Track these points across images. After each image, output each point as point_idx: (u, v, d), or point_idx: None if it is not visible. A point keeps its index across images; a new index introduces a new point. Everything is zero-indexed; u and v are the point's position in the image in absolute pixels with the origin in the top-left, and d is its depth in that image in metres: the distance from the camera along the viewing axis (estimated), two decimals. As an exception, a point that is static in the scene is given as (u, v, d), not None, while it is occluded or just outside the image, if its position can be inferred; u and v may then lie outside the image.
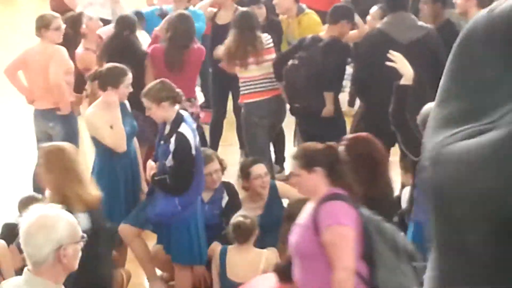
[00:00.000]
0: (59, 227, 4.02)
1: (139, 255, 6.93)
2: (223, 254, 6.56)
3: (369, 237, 4.94)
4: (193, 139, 6.56)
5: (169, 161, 6.56)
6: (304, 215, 4.98)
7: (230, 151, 8.59)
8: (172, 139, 6.53)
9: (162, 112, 6.63)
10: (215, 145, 8.97)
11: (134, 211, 6.95)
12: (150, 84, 6.95)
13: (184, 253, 6.72)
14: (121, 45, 8.25)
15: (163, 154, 6.64)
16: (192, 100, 8.26)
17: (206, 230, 6.82)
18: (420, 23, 7.93)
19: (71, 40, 8.97)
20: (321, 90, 7.80)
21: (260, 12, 9.07)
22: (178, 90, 6.78)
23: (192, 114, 8.14)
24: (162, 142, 6.74)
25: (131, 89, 7.03)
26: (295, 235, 4.97)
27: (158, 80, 6.96)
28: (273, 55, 8.20)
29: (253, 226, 6.48)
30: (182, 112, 6.88)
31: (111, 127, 6.92)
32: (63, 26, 8.32)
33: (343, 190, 4.99)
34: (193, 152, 6.55)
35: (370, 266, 4.91)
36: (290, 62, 8.01)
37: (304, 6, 9.19)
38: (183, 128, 6.55)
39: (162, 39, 8.41)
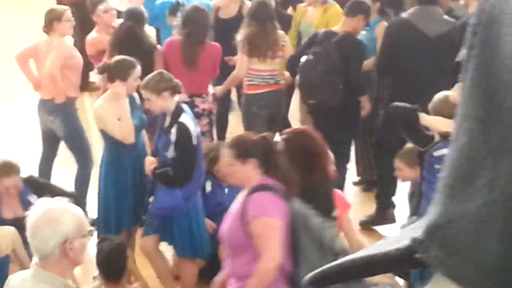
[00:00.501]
0: (65, 220, 4.01)
1: (159, 271, 6.90)
2: None
3: (295, 231, 4.97)
4: (193, 129, 6.55)
5: (170, 152, 6.54)
6: (236, 205, 5.00)
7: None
8: (173, 130, 6.52)
9: (162, 103, 6.61)
10: (222, 138, 8.97)
11: (149, 219, 6.90)
12: (148, 76, 6.92)
13: (187, 246, 6.71)
14: (126, 37, 8.23)
15: (164, 146, 6.63)
16: (204, 96, 8.21)
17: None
18: (445, 17, 7.91)
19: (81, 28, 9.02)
20: (337, 86, 7.76)
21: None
22: (176, 80, 6.75)
23: (204, 110, 8.13)
24: (162, 134, 6.74)
25: (139, 82, 7.02)
26: (226, 224, 5.00)
27: (156, 72, 6.94)
28: (282, 53, 8.18)
29: None
30: (181, 104, 6.88)
31: (119, 119, 6.90)
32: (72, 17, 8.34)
33: (276, 181, 5.02)
34: (194, 142, 6.53)
35: (293, 261, 4.96)
36: (304, 58, 7.93)
37: None
38: (184, 118, 6.55)
39: (178, 33, 8.39)
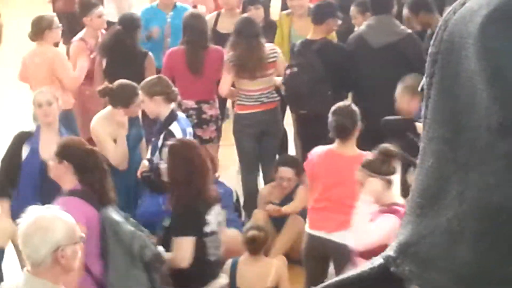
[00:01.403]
0: (56, 228, 4.06)
1: None
2: (233, 265, 6.57)
3: (104, 237, 5.24)
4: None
5: (156, 158, 6.58)
6: None
7: (230, 151, 8.57)
8: (161, 136, 6.56)
9: (153, 106, 6.64)
10: None
11: None
12: (148, 78, 6.93)
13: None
14: (114, 42, 8.20)
15: (152, 150, 6.68)
16: (211, 102, 8.14)
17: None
18: (401, 28, 7.88)
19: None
20: (326, 93, 7.78)
21: (258, 13, 8.91)
22: (174, 88, 6.76)
23: (211, 116, 8.11)
24: (153, 139, 6.77)
25: (141, 107, 6.97)
26: None
27: (155, 75, 6.97)
28: (273, 70, 7.93)
29: (266, 238, 6.55)
30: (180, 113, 6.89)
31: (115, 140, 6.89)
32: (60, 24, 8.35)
33: (88, 188, 5.37)
34: None
35: (102, 265, 5.18)
36: (288, 71, 7.84)
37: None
38: (173, 127, 6.57)
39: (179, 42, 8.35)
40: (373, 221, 5.29)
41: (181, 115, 6.96)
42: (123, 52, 7.95)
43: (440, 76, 0.78)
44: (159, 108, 6.64)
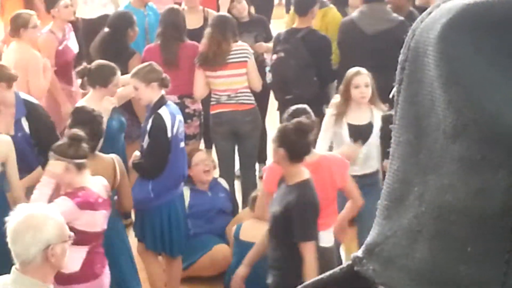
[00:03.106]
0: (47, 227, 4.03)
1: (149, 272, 6.84)
2: (238, 228, 6.73)
3: None
4: (170, 123, 6.54)
5: (145, 142, 6.58)
6: None
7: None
8: (150, 119, 6.56)
9: (149, 93, 6.63)
10: (207, 140, 8.89)
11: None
12: (139, 66, 6.92)
13: (156, 240, 6.70)
14: (103, 42, 8.22)
15: (142, 135, 6.68)
16: (193, 96, 8.10)
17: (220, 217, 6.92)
18: (393, 15, 7.95)
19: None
20: (312, 78, 7.83)
21: (240, 7, 8.94)
22: (165, 74, 6.77)
23: (194, 110, 8.10)
24: (142, 124, 6.77)
25: (119, 87, 7.02)
26: None
27: (147, 63, 6.95)
28: (244, 70, 7.86)
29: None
30: (169, 101, 6.88)
31: None
32: (38, 22, 8.26)
33: None
34: (169, 134, 6.53)
35: None
36: (275, 57, 7.97)
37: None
38: (162, 110, 6.57)
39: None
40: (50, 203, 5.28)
41: (171, 102, 6.93)
42: (110, 53, 7.91)
43: (407, 83, 0.81)
44: (153, 95, 6.64)
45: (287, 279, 5.56)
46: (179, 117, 6.75)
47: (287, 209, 5.51)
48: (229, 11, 8.89)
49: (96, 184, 5.59)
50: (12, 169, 6.07)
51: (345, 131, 6.55)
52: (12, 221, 4.05)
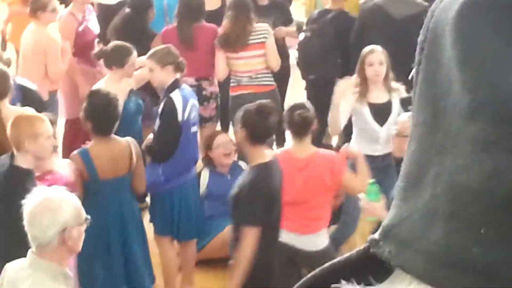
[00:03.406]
0: (64, 209, 4.03)
1: (163, 257, 6.80)
2: None
3: None
4: (181, 107, 6.54)
5: (156, 125, 6.59)
6: None
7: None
8: (162, 103, 6.57)
9: (163, 76, 6.63)
10: (224, 123, 8.88)
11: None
12: (156, 48, 6.93)
13: (166, 225, 6.70)
14: (123, 23, 8.23)
15: (154, 118, 6.68)
16: (210, 78, 8.13)
17: None
18: (418, 0, 7.92)
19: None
20: (336, 60, 7.82)
21: None
22: (182, 58, 6.77)
23: (211, 93, 8.10)
24: (155, 108, 6.78)
25: (136, 67, 7.02)
26: None
27: (164, 46, 6.95)
28: (263, 51, 7.86)
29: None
30: (185, 85, 6.86)
31: None
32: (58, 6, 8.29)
33: None
34: (179, 118, 6.52)
35: None
36: (302, 36, 8.01)
37: None
38: (174, 94, 6.56)
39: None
40: None
41: (188, 87, 6.93)
42: (132, 34, 7.91)
43: (425, 63, 0.81)
44: (167, 78, 6.64)
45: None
46: (193, 101, 6.73)
47: (239, 191, 5.52)
48: None
49: (63, 167, 5.59)
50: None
51: (366, 110, 6.52)
52: (28, 203, 4.05)
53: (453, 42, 0.76)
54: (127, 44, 7.10)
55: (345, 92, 6.71)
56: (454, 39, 0.76)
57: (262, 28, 7.95)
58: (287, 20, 8.94)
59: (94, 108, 6.08)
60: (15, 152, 5.34)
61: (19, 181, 5.00)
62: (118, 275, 6.06)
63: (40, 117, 5.53)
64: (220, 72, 8.01)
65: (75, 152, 6.16)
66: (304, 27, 8.30)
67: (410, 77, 0.84)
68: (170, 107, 6.51)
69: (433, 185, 0.76)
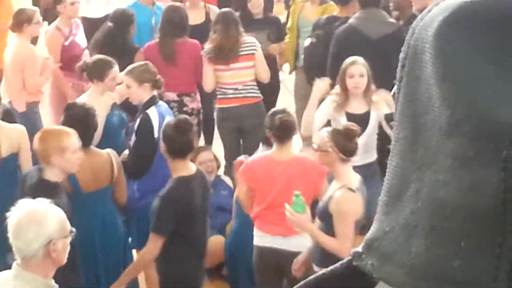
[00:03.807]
0: (49, 222, 4.04)
1: (149, 280, 6.68)
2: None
3: None
4: (157, 124, 6.52)
5: (132, 141, 6.61)
6: None
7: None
8: (138, 119, 6.59)
9: (141, 93, 6.64)
10: (208, 138, 8.87)
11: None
12: (134, 64, 6.93)
13: (143, 240, 6.63)
14: (106, 38, 8.23)
15: (130, 134, 6.71)
16: (192, 95, 8.14)
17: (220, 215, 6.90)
18: (390, 19, 8.01)
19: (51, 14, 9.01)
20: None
21: (255, 2, 8.97)
22: (159, 76, 6.78)
23: (193, 109, 8.11)
24: (130, 124, 6.81)
25: (117, 81, 7.04)
26: None
27: (143, 62, 6.96)
28: (251, 63, 7.92)
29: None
30: (161, 102, 6.88)
31: None
32: (41, 18, 8.32)
33: None
34: (155, 135, 6.50)
35: None
36: (308, 41, 8.13)
37: None
38: (151, 110, 6.57)
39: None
40: None
41: (165, 104, 6.95)
42: (114, 49, 7.92)
43: (406, 80, 0.82)
44: (145, 95, 6.66)
45: (161, 268, 5.81)
46: (169, 118, 6.67)
47: (156, 201, 5.74)
48: (243, 6, 8.91)
49: None
50: (26, 159, 6.13)
51: (343, 120, 6.57)
52: (13, 216, 4.06)
53: (433, 59, 0.77)
54: (108, 58, 7.10)
55: (324, 95, 6.77)
56: (433, 56, 0.77)
57: (250, 40, 7.99)
58: (280, 36, 9.02)
59: (72, 120, 6.11)
60: (43, 165, 5.39)
61: (47, 195, 5.06)
62: (101, 285, 6.06)
63: (67, 131, 5.61)
64: (208, 84, 8.02)
65: None
66: (311, 33, 8.41)
67: (391, 93, 0.87)
68: (146, 124, 6.52)
69: (413, 200, 0.78)
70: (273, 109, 6.44)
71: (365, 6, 7.92)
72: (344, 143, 5.52)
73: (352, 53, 7.52)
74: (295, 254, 5.87)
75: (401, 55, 0.84)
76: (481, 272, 0.73)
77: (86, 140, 6.02)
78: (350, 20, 8.05)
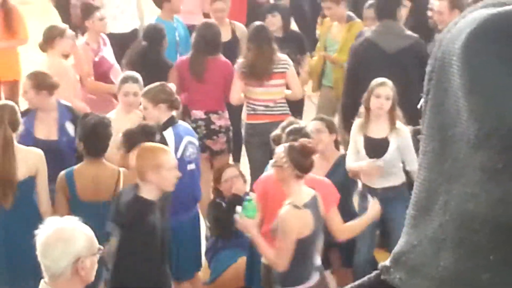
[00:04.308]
0: (77, 239, 4.03)
1: None
2: None
3: None
4: (173, 146, 6.50)
5: None
6: None
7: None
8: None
9: (157, 114, 6.64)
10: (236, 155, 8.87)
11: None
12: (150, 85, 6.92)
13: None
14: (139, 56, 8.24)
15: None
16: (220, 112, 8.12)
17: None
18: (408, 32, 7.93)
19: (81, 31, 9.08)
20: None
21: (274, 21, 8.98)
22: (177, 96, 6.78)
23: (220, 127, 8.08)
24: None
25: (134, 97, 7.06)
26: None
27: (159, 83, 6.94)
28: (283, 81, 7.90)
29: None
30: (183, 123, 6.86)
31: None
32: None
33: None
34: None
35: None
36: None
37: (351, 14, 9.24)
38: (167, 132, 6.56)
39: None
40: None
41: (185, 124, 6.92)
42: (147, 65, 7.95)
43: (434, 93, 0.82)
44: (161, 116, 6.65)
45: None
46: (189, 139, 6.70)
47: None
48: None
49: None
50: (42, 183, 6.11)
51: (361, 142, 6.53)
52: (41, 234, 4.06)
53: (460, 72, 0.77)
54: (128, 73, 7.23)
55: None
56: (461, 69, 0.77)
57: (283, 58, 7.98)
58: (301, 53, 8.99)
59: (84, 129, 6.17)
60: (139, 183, 5.40)
61: (142, 212, 5.09)
62: None
63: (163, 149, 5.67)
64: (236, 100, 8.02)
65: (62, 171, 6.22)
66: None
67: (419, 106, 0.85)
68: None
69: (441, 213, 0.77)
70: (288, 127, 6.36)
71: (381, 18, 7.86)
72: (300, 159, 5.53)
73: (368, 67, 7.52)
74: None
75: (428, 68, 0.84)
76: (510, 285, 0.73)
77: (95, 150, 6.08)
78: (367, 34, 8.01)
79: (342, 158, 6.83)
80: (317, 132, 6.69)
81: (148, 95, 6.73)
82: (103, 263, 5.41)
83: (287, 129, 6.28)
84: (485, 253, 0.73)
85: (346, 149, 7.01)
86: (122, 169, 6.16)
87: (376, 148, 6.53)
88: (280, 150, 5.72)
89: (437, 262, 0.76)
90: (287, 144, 5.76)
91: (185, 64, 8.11)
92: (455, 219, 0.76)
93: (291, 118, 6.79)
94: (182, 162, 6.50)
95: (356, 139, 6.61)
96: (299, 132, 6.16)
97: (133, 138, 5.87)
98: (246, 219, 5.77)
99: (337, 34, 9.06)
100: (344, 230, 6.04)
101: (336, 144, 7.00)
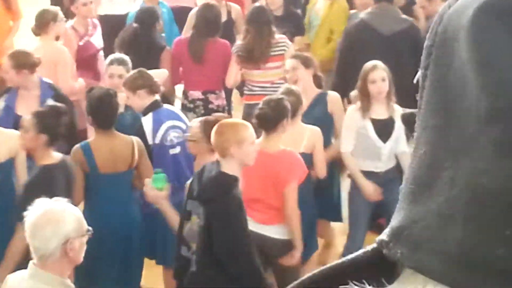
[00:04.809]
0: (66, 221, 4.04)
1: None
2: None
3: None
4: (151, 130, 6.48)
5: None
6: None
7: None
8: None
9: (138, 101, 6.62)
10: None
11: None
12: (128, 74, 6.90)
13: (151, 248, 6.58)
14: (132, 37, 8.21)
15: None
16: (217, 92, 8.14)
17: None
18: (403, 16, 7.93)
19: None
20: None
21: (274, 0, 8.96)
22: (156, 80, 6.74)
23: (218, 106, 8.09)
24: None
25: (119, 79, 7.05)
26: None
27: (136, 70, 6.90)
28: (280, 63, 7.84)
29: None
30: (169, 106, 6.83)
31: None
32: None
33: None
34: (150, 142, 6.46)
35: None
36: None
37: None
38: (146, 117, 6.54)
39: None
40: None
41: (168, 107, 6.88)
42: (139, 48, 7.94)
43: (434, 67, 0.81)
44: (143, 101, 6.60)
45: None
46: (172, 123, 6.62)
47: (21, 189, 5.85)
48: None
49: None
50: (21, 165, 6.11)
51: (369, 126, 6.53)
52: (31, 215, 4.06)
53: (469, 46, 0.76)
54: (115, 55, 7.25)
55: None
56: (470, 44, 0.76)
57: (281, 40, 7.96)
58: (298, 32, 8.95)
59: (92, 102, 6.17)
60: (220, 159, 5.37)
61: (226, 187, 5.09)
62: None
63: (244, 124, 5.61)
64: (232, 82, 8.05)
65: (76, 145, 6.20)
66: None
67: (415, 80, 0.84)
68: (138, 131, 6.48)
69: (447, 188, 0.76)
70: (267, 97, 6.36)
71: (378, 1, 7.85)
72: None
73: (363, 49, 7.50)
74: (280, 241, 5.89)
75: (427, 43, 0.82)
76: None
77: (106, 122, 6.08)
78: (362, 16, 7.98)
79: (322, 95, 6.92)
80: (292, 70, 6.84)
81: (126, 84, 6.71)
82: (184, 243, 5.41)
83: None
84: (500, 228, 0.72)
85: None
86: (134, 138, 6.21)
87: (383, 128, 6.54)
88: (195, 125, 5.74)
89: (444, 236, 0.75)
90: (202, 118, 5.81)
91: (184, 44, 8.11)
92: (465, 194, 0.75)
93: (287, 85, 6.74)
94: (162, 148, 6.49)
95: (362, 125, 6.57)
96: (267, 103, 6.15)
97: (43, 119, 5.87)
98: (155, 191, 5.82)
99: (320, 9, 9.03)
100: (292, 213, 6.00)
101: (317, 79, 7.02)
